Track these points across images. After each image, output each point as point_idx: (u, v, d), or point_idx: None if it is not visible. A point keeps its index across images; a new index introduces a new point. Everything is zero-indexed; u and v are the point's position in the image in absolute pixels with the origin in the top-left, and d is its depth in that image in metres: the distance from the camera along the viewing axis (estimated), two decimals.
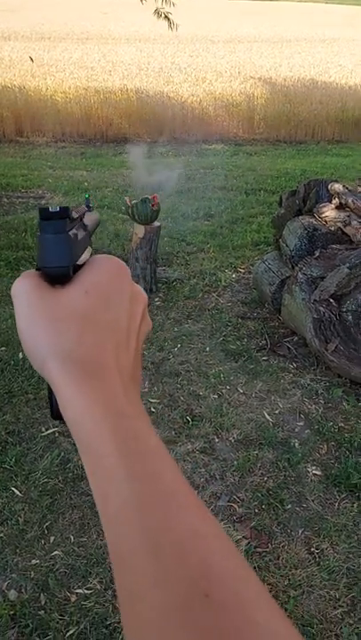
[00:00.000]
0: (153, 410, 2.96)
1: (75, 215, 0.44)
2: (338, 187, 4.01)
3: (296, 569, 2.10)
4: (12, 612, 1.89)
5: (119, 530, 0.34)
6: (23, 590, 1.99)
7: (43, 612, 1.92)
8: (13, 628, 1.84)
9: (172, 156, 8.89)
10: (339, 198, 3.94)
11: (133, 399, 0.38)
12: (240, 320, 3.97)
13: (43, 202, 6.35)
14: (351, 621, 1.92)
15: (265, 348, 3.61)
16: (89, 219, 0.51)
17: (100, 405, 0.36)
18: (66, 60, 12.65)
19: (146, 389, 3.13)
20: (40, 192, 6.69)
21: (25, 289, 0.40)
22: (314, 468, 2.63)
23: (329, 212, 3.94)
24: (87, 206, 0.55)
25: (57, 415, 0.39)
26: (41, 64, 11.73)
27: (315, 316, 3.26)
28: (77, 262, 0.43)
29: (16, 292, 0.41)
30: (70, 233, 0.41)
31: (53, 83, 10.58)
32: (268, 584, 2.02)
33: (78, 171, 7.80)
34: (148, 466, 0.35)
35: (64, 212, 0.41)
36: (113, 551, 0.34)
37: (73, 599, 1.97)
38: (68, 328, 0.38)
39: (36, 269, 0.42)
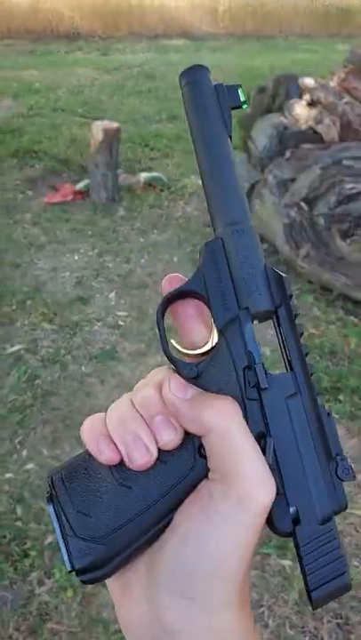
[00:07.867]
0: (121, 323, 2.88)
1: None
2: (309, 81, 3.76)
3: None
4: None
5: None
6: None
7: (20, 522, 1.93)
8: None
9: (130, 52, 8.23)
10: (310, 94, 3.71)
11: None
12: (208, 229, 3.84)
13: None
14: None
15: None
16: None
17: None
18: None
19: (113, 302, 3.03)
20: None
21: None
22: None
23: (300, 110, 3.72)
24: None
25: None
26: None
27: (285, 221, 3.15)
28: None
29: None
30: None
31: None
32: None
33: (28, 70, 7.16)
34: None
35: None
36: None
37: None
38: None
39: None
